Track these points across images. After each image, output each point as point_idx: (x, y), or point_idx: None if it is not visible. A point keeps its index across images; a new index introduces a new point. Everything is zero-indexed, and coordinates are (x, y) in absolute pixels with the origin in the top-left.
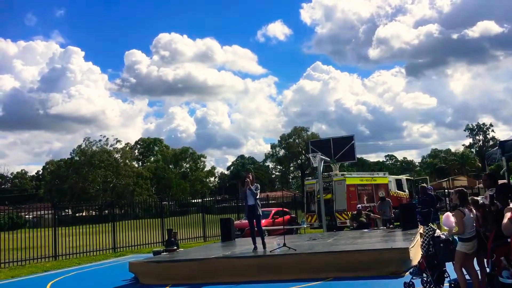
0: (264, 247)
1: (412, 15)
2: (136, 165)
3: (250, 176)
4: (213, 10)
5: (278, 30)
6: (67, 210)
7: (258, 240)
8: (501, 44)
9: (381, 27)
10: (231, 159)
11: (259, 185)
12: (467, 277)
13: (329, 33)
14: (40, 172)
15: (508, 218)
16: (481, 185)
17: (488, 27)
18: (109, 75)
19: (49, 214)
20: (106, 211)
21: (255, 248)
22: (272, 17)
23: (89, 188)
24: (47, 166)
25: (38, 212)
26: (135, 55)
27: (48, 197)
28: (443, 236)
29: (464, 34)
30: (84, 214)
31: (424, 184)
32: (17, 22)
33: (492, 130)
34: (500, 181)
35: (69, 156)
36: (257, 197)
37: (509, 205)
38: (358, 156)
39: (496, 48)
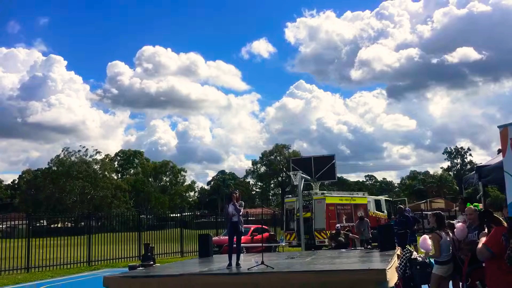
0: (239, 265)
1: (394, 38)
2: (115, 177)
3: (237, 192)
4: (198, 25)
5: (262, 47)
6: (42, 221)
7: (234, 257)
8: (480, 70)
9: (364, 49)
10: (211, 174)
11: (243, 203)
12: None
13: (313, 53)
14: (16, 181)
15: (483, 243)
16: (457, 208)
17: (467, 53)
18: (91, 85)
19: (23, 224)
20: (82, 223)
21: (230, 265)
22: (256, 34)
23: (66, 199)
24: (24, 175)
25: (12, 222)
26: (118, 66)
27: (23, 207)
28: (420, 259)
29: (444, 59)
30: (59, 225)
31: (401, 205)
32: None
33: (470, 154)
34: (469, 207)
35: (47, 166)
36: (240, 213)
37: (484, 230)
38: (338, 175)
39: (475, 74)
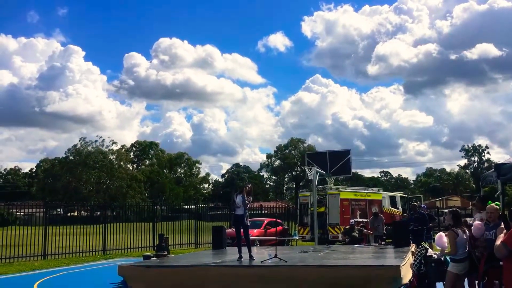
0: (252, 257)
1: (412, 34)
2: (131, 168)
3: (250, 186)
4: (215, 18)
5: (278, 41)
6: (58, 209)
7: (245, 249)
8: (500, 67)
9: (381, 44)
10: (226, 166)
11: (252, 198)
12: None
13: (329, 47)
14: (34, 170)
15: (501, 241)
16: (473, 206)
17: (487, 49)
18: (108, 76)
19: (40, 212)
20: (98, 213)
21: (241, 257)
22: (273, 28)
23: (82, 189)
24: (41, 164)
25: (29, 210)
26: (135, 58)
27: (40, 195)
28: (435, 256)
29: (463, 55)
30: (75, 214)
31: (415, 203)
32: (19, 18)
33: (488, 152)
34: (491, 205)
35: (64, 155)
36: (247, 207)
37: (501, 225)
38: (353, 170)
39: (495, 71)
